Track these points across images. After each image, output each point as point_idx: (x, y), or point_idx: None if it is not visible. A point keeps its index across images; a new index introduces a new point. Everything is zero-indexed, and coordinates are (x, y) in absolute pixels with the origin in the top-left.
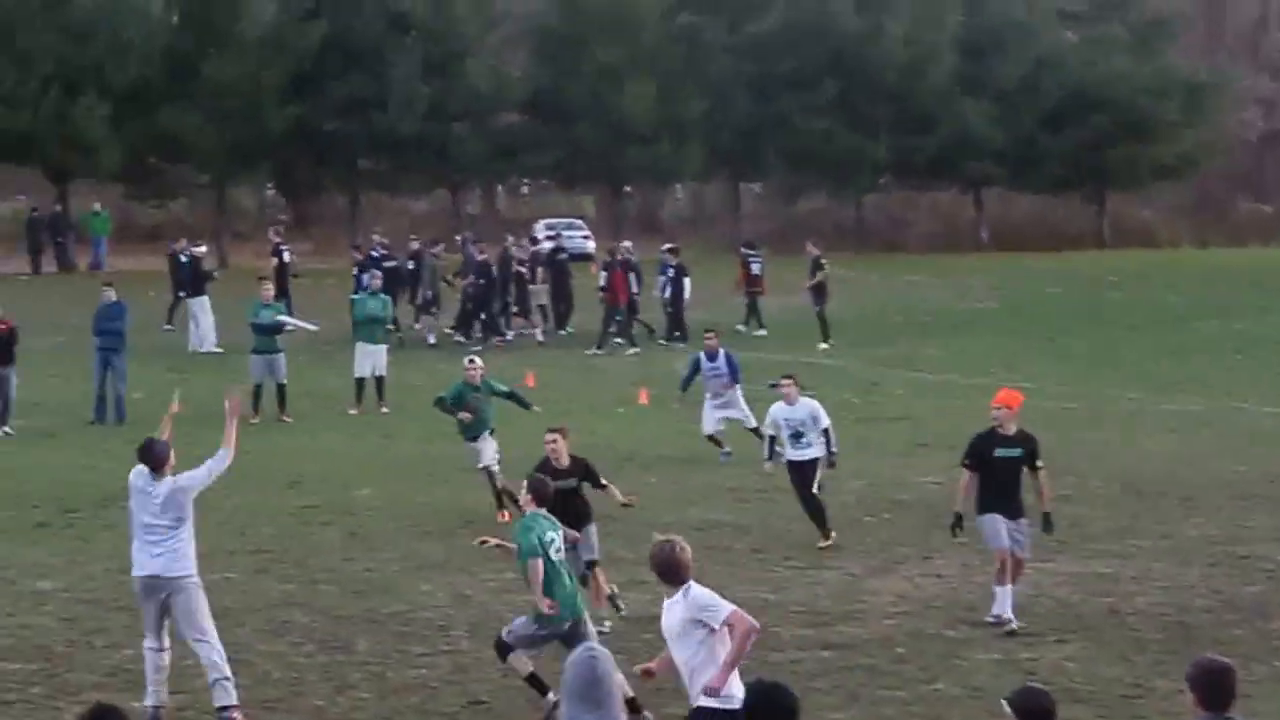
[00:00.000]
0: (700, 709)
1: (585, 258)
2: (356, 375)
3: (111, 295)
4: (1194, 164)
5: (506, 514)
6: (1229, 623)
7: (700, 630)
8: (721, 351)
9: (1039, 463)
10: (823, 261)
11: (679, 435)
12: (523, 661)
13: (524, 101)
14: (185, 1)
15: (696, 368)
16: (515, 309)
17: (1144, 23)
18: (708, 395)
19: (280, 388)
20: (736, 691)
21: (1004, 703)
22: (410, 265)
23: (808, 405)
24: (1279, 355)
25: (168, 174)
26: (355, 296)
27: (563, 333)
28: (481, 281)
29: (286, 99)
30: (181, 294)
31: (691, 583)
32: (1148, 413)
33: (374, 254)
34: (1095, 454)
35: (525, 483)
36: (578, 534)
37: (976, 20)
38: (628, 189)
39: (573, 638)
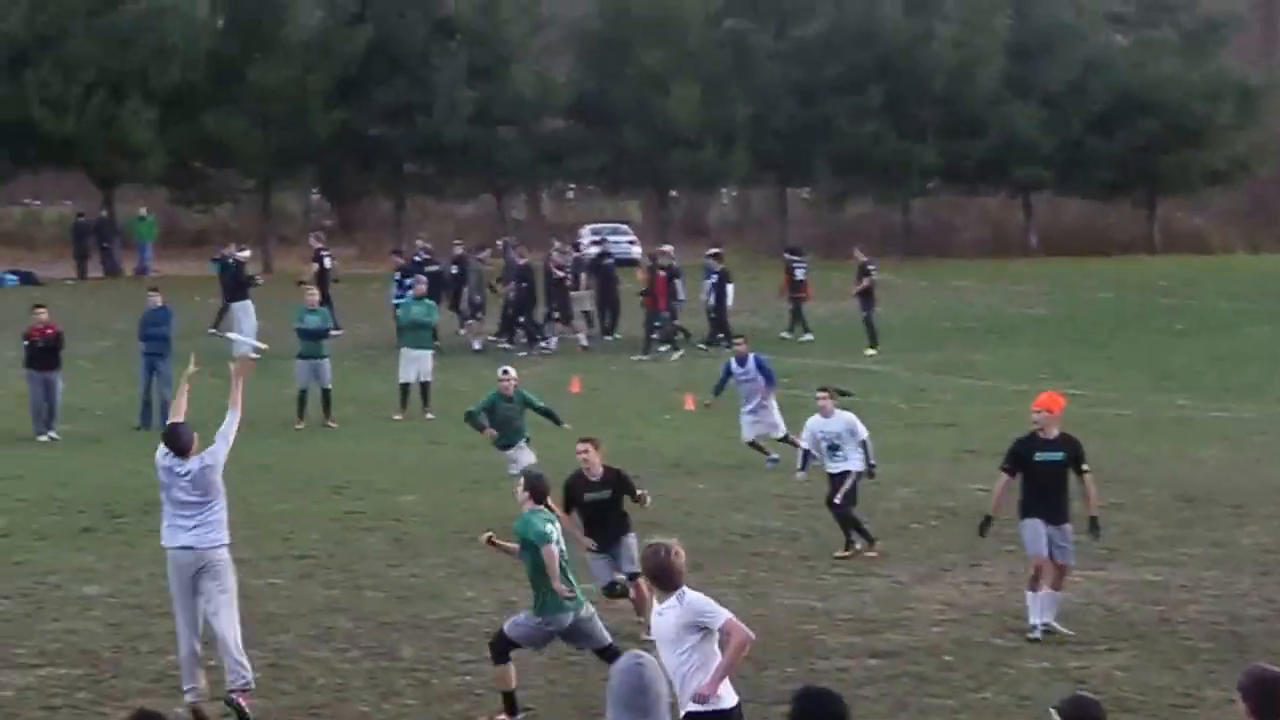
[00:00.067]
0: (690, 714)
1: (631, 263)
2: (401, 380)
3: (157, 300)
4: (1246, 168)
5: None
6: None
7: (694, 635)
8: (751, 357)
9: (1084, 466)
10: (869, 267)
11: (726, 441)
12: (510, 676)
13: (569, 106)
14: (230, 6)
15: (728, 373)
16: (557, 315)
17: (1195, 25)
18: (742, 401)
19: (325, 393)
20: (726, 694)
21: (1053, 711)
22: (453, 270)
23: (843, 418)
24: None
25: (213, 179)
26: (399, 301)
27: (609, 339)
28: (524, 285)
29: (331, 104)
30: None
31: (685, 588)
32: (1199, 420)
33: (416, 259)
34: (1146, 461)
35: (521, 479)
36: (592, 543)
37: (1025, 23)
38: (673, 193)
39: (574, 633)
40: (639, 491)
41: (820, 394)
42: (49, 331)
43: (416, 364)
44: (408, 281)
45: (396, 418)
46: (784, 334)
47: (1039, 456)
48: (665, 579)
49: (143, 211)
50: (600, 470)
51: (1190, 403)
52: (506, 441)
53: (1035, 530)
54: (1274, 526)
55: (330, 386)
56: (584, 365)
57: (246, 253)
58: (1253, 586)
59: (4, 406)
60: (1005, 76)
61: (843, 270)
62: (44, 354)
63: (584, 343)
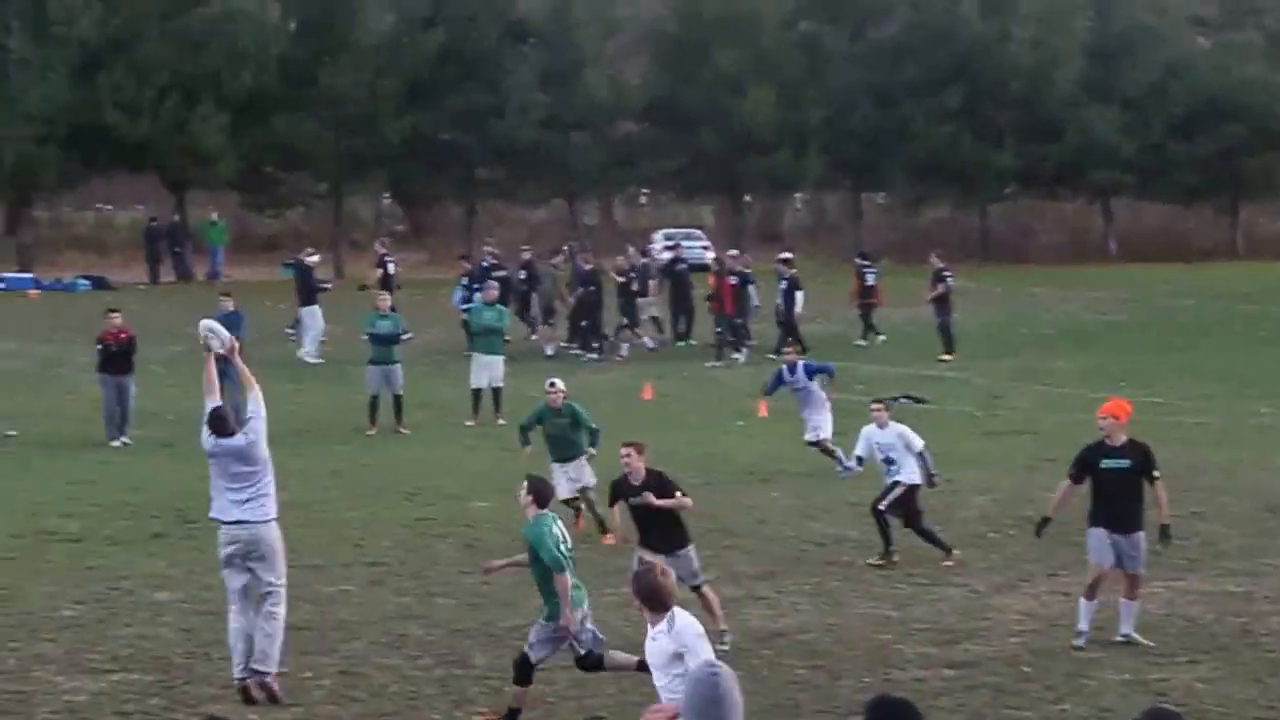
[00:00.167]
0: None
1: (704, 268)
2: (473, 386)
3: (229, 305)
4: None
5: (608, 537)
6: None
7: (681, 664)
8: (800, 363)
9: (1155, 473)
10: (945, 273)
11: (799, 448)
12: (526, 698)
13: (642, 109)
14: (302, 10)
15: (779, 379)
16: (627, 322)
17: None
18: (800, 407)
19: (397, 399)
20: None
21: None
22: (521, 276)
23: (897, 430)
24: None
25: (284, 183)
26: (466, 307)
27: (682, 344)
28: (592, 289)
29: (402, 108)
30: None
31: (675, 611)
32: None
33: (484, 265)
34: (1227, 470)
35: (525, 482)
36: (624, 538)
37: (1104, 25)
38: (747, 198)
39: (580, 634)
40: (676, 494)
41: (875, 405)
42: (123, 336)
43: (488, 370)
44: (475, 287)
45: (468, 423)
46: (859, 341)
47: (1105, 464)
48: (655, 600)
49: (214, 216)
50: (643, 474)
51: (1272, 411)
52: (564, 456)
53: (1100, 540)
54: None
55: (402, 392)
56: (656, 371)
57: (315, 257)
58: None
59: (78, 411)
60: (1084, 79)
61: (918, 276)
62: (117, 358)
63: (650, 344)
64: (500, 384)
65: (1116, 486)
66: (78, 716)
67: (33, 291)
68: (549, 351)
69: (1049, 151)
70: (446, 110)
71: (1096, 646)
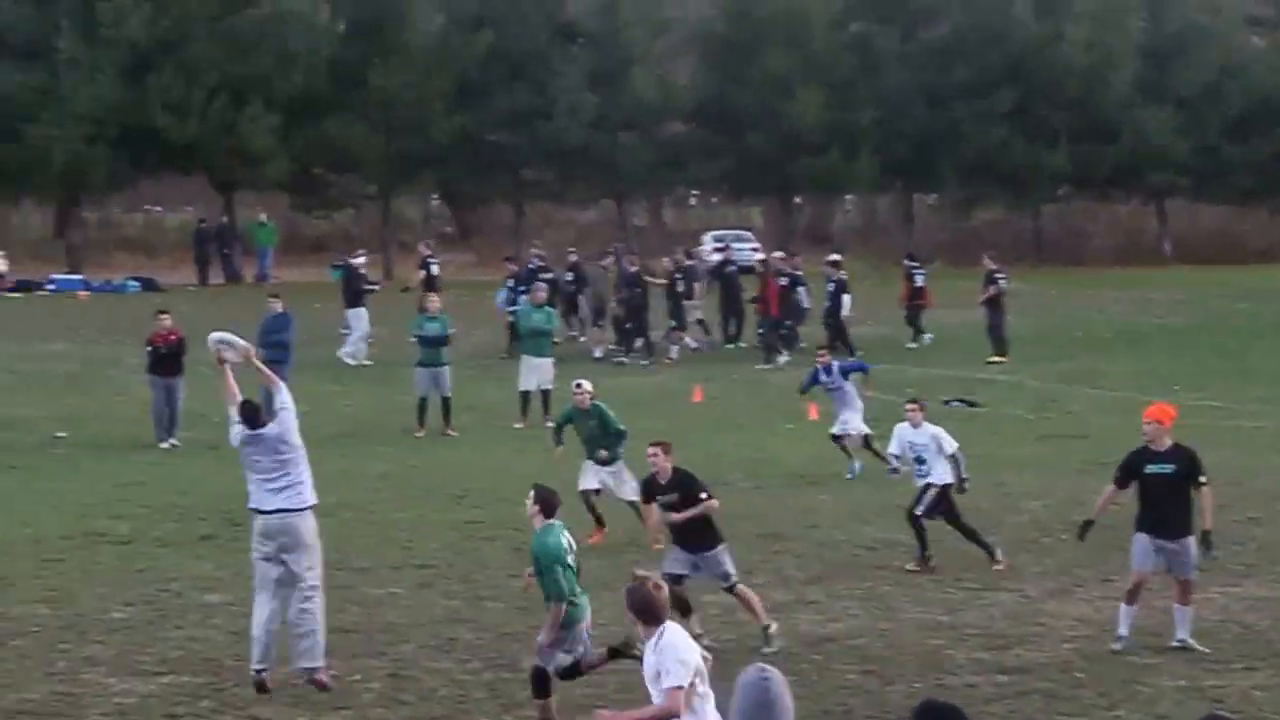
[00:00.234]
0: None
1: (753, 270)
2: (521, 388)
3: (278, 307)
4: None
5: (597, 536)
6: None
7: (660, 683)
8: (835, 363)
9: (1201, 479)
10: (997, 275)
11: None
12: (553, 709)
13: (691, 110)
14: (352, 11)
15: (814, 379)
16: (673, 324)
17: None
18: (835, 408)
19: (445, 401)
20: None
21: None
22: (568, 278)
23: (931, 431)
24: None
25: (333, 185)
26: (512, 310)
27: (731, 347)
28: (637, 291)
29: (452, 109)
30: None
31: (667, 626)
32: None
33: (530, 267)
34: None
35: (532, 492)
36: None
37: (1158, 25)
38: (797, 199)
39: (573, 646)
40: (701, 495)
41: (909, 405)
42: (172, 338)
43: (537, 372)
44: (521, 290)
45: (517, 426)
46: (910, 344)
47: (1150, 469)
48: (649, 613)
49: (263, 217)
50: (669, 473)
51: None
52: (597, 456)
53: (1142, 545)
54: None
55: (450, 395)
56: (706, 374)
57: (361, 258)
58: None
59: (127, 413)
60: (1138, 80)
61: (970, 278)
62: (167, 360)
63: (692, 345)
64: (549, 386)
65: (1161, 492)
66: (127, 719)
67: (82, 293)
68: (597, 354)
69: (1103, 153)
70: (495, 111)
71: (1150, 652)
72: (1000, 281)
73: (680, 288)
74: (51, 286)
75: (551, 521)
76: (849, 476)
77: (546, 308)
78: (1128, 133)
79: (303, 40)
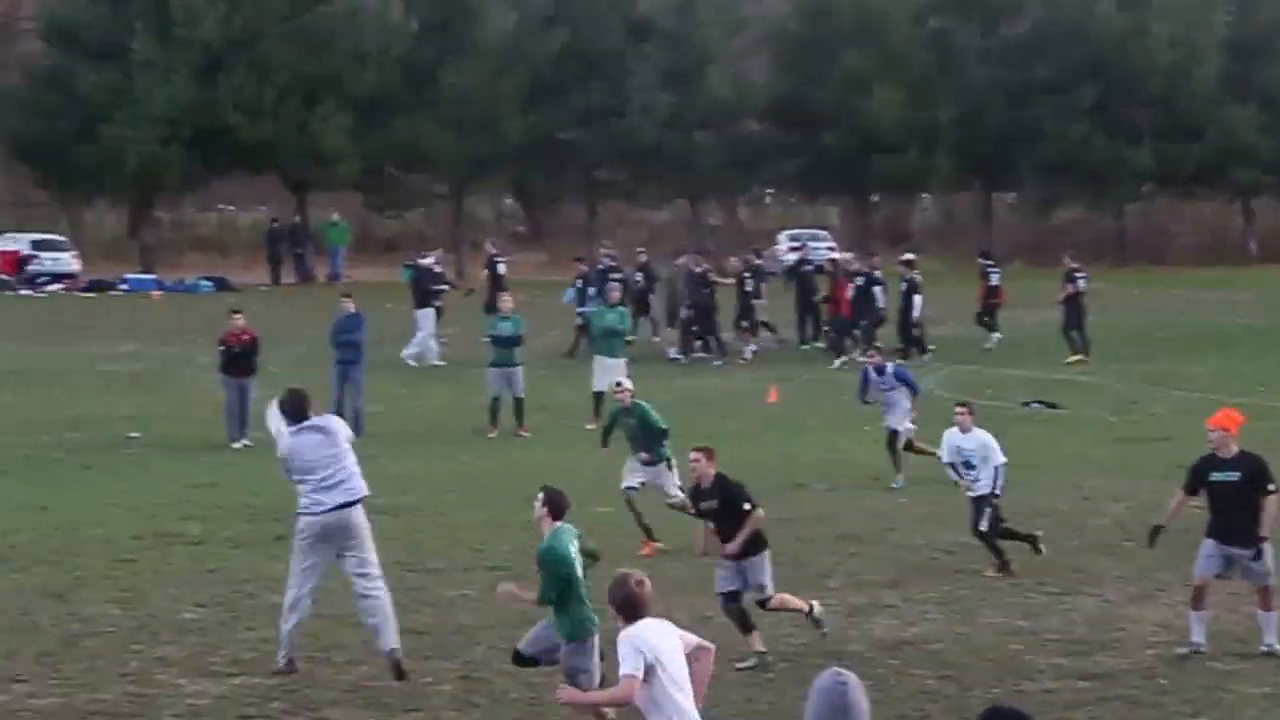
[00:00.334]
0: None
1: (823, 270)
2: (595, 389)
3: (350, 307)
4: None
5: (648, 549)
6: None
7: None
8: (889, 366)
9: (1270, 486)
10: (1077, 274)
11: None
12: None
13: (766, 109)
14: (425, 9)
15: (865, 381)
16: (745, 324)
17: None
18: (884, 409)
19: (518, 402)
20: None
21: None
22: (638, 278)
23: (980, 437)
24: None
25: (406, 184)
26: (583, 311)
27: (807, 347)
28: (705, 291)
29: (525, 107)
30: (437, 304)
31: (643, 621)
32: None
33: (600, 267)
34: None
35: (540, 493)
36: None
37: (1244, 20)
38: (874, 198)
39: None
40: (744, 506)
41: (959, 408)
42: (245, 337)
43: (610, 372)
44: (592, 290)
45: (589, 426)
46: (987, 345)
47: (1215, 476)
48: (630, 609)
49: (335, 217)
50: (710, 479)
51: None
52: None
53: (1208, 550)
54: None
55: (523, 395)
56: (780, 374)
57: (430, 259)
58: None
59: (199, 413)
60: (1224, 76)
61: (1051, 278)
62: (239, 360)
63: (752, 348)
64: None
65: (1227, 500)
66: None
67: (155, 293)
68: (671, 354)
69: (1188, 150)
70: (568, 109)
71: (1235, 658)
72: (1079, 281)
73: (749, 287)
74: (125, 286)
75: (560, 525)
76: (894, 486)
77: (619, 308)
78: (1213, 130)
79: (375, 39)
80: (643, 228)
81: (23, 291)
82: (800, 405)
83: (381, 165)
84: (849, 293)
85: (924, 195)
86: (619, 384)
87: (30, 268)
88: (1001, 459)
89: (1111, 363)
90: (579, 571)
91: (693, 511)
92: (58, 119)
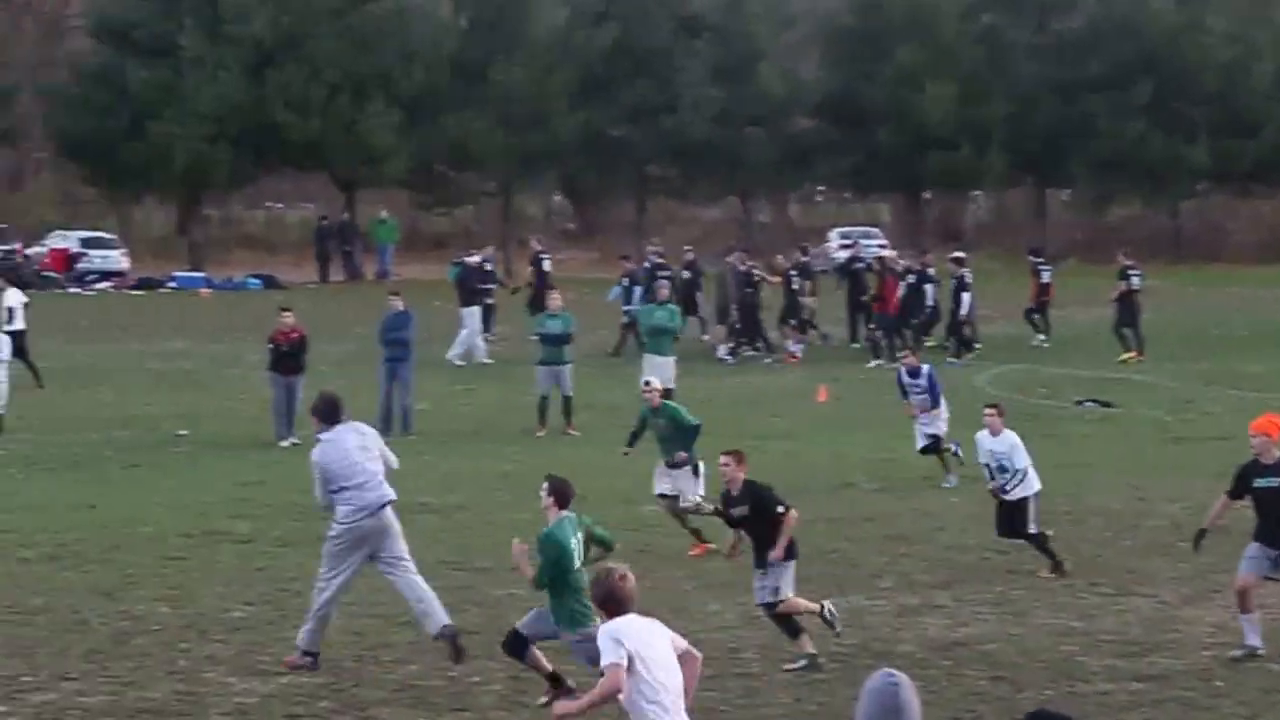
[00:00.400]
0: None
1: (870, 268)
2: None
3: (399, 305)
4: None
5: (698, 549)
6: None
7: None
8: (924, 369)
9: None
10: (1131, 271)
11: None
12: (540, 660)
13: (817, 105)
14: (474, 7)
15: (901, 383)
16: (794, 322)
17: None
18: (915, 411)
19: (566, 400)
20: None
21: None
22: (685, 276)
23: (1009, 439)
24: None
25: (454, 181)
26: (628, 308)
27: (858, 345)
28: (749, 290)
29: (574, 104)
30: (490, 301)
31: (627, 618)
32: None
33: (647, 265)
34: None
35: (546, 482)
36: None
37: None
38: (926, 195)
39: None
40: (777, 510)
41: (988, 410)
42: (294, 335)
43: (659, 370)
44: (642, 290)
45: None
46: (1034, 343)
47: (1258, 483)
48: (612, 603)
49: (383, 214)
50: (740, 485)
51: None
52: (671, 460)
53: (1250, 552)
54: None
55: (571, 394)
56: (830, 373)
57: (476, 257)
58: None
59: (247, 411)
60: None
61: (1105, 276)
62: (288, 358)
63: (801, 346)
64: (672, 385)
65: (1271, 506)
66: (248, 718)
67: (204, 290)
68: (720, 352)
69: (1244, 147)
70: (618, 106)
71: None
72: (1132, 279)
73: (795, 285)
74: (173, 284)
75: (565, 514)
76: (946, 485)
77: (669, 305)
78: (1270, 126)
79: (424, 36)
80: (694, 225)
81: (72, 289)
82: (850, 404)
83: (430, 163)
84: (899, 291)
85: (976, 192)
86: (647, 383)
87: (79, 265)
88: (1026, 462)
89: (1166, 361)
90: (576, 563)
91: (709, 512)
92: (107, 117)
